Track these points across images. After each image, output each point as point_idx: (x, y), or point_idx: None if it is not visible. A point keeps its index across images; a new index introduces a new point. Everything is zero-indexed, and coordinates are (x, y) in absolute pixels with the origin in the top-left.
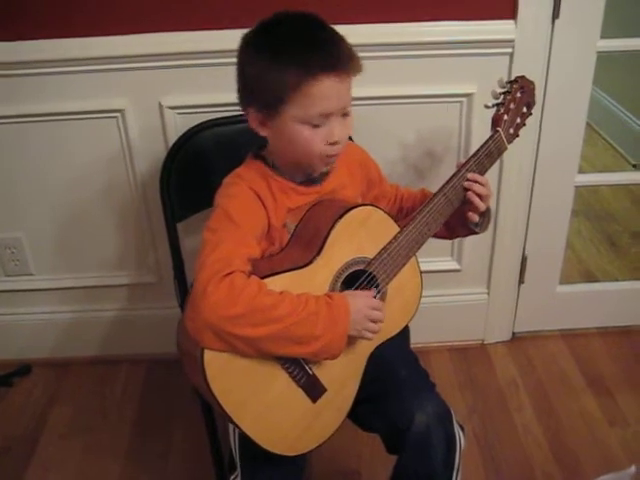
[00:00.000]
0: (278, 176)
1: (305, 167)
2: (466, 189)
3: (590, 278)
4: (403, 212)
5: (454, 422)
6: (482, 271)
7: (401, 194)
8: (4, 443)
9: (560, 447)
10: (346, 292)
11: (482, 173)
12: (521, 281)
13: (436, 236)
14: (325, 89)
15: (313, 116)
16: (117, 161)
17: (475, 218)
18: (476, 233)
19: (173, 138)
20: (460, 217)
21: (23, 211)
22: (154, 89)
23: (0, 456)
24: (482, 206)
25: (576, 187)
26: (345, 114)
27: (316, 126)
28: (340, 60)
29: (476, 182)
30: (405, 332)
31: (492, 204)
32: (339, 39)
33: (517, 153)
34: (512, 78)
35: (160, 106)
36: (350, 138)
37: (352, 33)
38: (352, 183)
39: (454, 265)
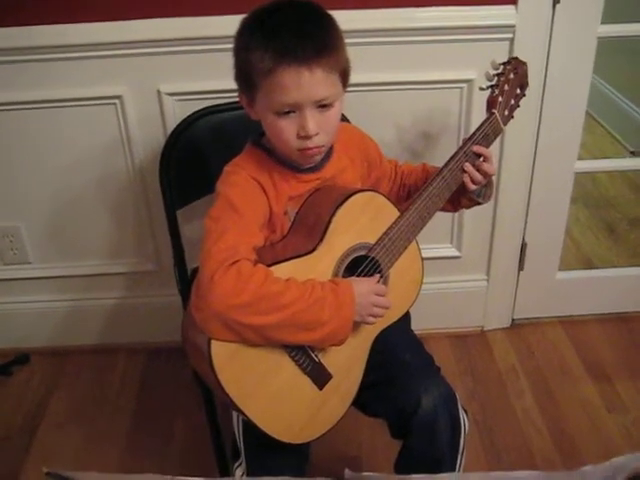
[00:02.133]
0: (278, 164)
1: (291, 158)
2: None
3: (589, 265)
4: (406, 189)
5: (459, 405)
6: (482, 258)
7: (401, 170)
8: (3, 432)
9: (559, 433)
10: (351, 278)
11: (479, 156)
12: (520, 268)
13: (441, 210)
14: (287, 79)
15: (277, 105)
16: (116, 148)
17: (471, 186)
18: (480, 204)
19: (172, 125)
20: (462, 189)
21: (21, 200)
22: (152, 75)
23: None
24: (480, 180)
25: (575, 174)
26: (324, 106)
27: (285, 116)
28: (304, 52)
29: (481, 155)
30: (406, 317)
31: (494, 181)
32: (321, 29)
33: (517, 140)
34: (505, 60)
35: (159, 93)
36: (347, 120)
37: (351, 19)
38: (352, 166)
39: (454, 252)
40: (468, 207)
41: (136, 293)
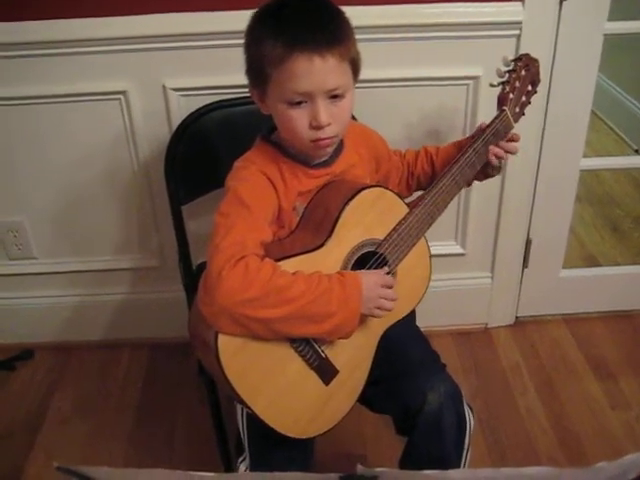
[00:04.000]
0: (288, 159)
1: (303, 152)
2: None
3: (592, 263)
4: (414, 177)
5: (464, 402)
6: (486, 255)
7: (407, 161)
8: (7, 427)
9: (563, 430)
10: (358, 270)
11: (488, 153)
12: (525, 265)
13: None
14: (299, 67)
15: (289, 94)
16: (120, 143)
17: (495, 162)
18: (492, 177)
19: (177, 120)
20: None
21: (26, 194)
22: (158, 71)
23: (3, 440)
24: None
25: (580, 171)
26: (336, 96)
27: (297, 106)
28: (318, 39)
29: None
30: (412, 313)
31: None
32: (331, 19)
33: (522, 137)
34: (516, 56)
35: (164, 88)
36: (354, 118)
37: (357, 15)
38: (361, 162)
39: (458, 249)
40: (481, 180)
41: (140, 289)
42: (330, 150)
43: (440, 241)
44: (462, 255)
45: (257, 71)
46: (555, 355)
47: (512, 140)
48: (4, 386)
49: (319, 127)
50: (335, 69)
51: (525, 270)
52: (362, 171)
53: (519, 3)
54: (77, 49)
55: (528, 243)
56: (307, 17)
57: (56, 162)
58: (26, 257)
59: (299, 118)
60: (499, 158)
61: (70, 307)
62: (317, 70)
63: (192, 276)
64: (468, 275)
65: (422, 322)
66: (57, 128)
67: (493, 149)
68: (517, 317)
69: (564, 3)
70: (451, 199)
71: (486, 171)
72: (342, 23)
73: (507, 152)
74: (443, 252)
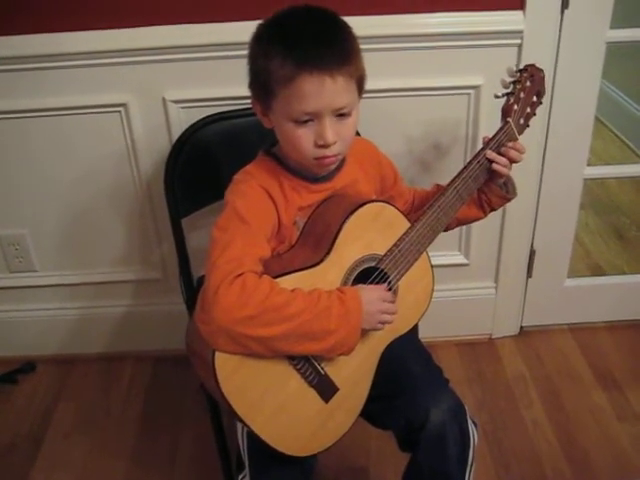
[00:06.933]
0: (289, 174)
1: (305, 167)
2: (490, 161)
3: (598, 271)
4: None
5: (468, 418)
6: (490, 265)
7: (419, 195)
8: (9, 441)
9: (569, 442)
10: (358, 286)
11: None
12: (529, 275)
13: (472, 220)
14: (308, 87)
15: (296, 113)
16: (121, 156)
17: (504, 170)
18: (509, 199)
19: (177, 132)
20: (490, 189)
21: (26, 207)
22: (157, 83)
23: (6, 454)
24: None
25: (584, 180)
26: (342, 115)
27: (303, 124)
28: (328, 59)
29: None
30: (414, 328)
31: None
32: (340, 36)
33: (525, 145)
34: (521, 67)
35: (164, 100)
36: (357, 132)
37: (359, 25)
38: (366, 179)
39: (462, 259)
40: (499, 206)
41: (142, 301)
42: (332, 167)
43: (444, 251)
44: (466, 265)
45: (262, 86)
46: (560, 365)
47: (515, 149)
48: (7, 399)
49: (325, 145)
50: (344, 88)
51: (529, 280)
52: (367, 188)
53: (520, 12)
54: (77, 62)
55: (532, 252)
56: (316, 35)
57: (57, 175)
58: (27, 270)
59: (305, 136)
60: (502, 165)
61: (72, 319)
62: (327, 90)
63: (193, 290)
64: (472, 285)
65: (426, 333)
66: (57, 141)
67: (493, 156)
68: (522, 327)
69: (565, 12)
70: (454, 213)
71: (498, 192)
72: (351, 40)
73: (509, 159)
74: (447, 262)
